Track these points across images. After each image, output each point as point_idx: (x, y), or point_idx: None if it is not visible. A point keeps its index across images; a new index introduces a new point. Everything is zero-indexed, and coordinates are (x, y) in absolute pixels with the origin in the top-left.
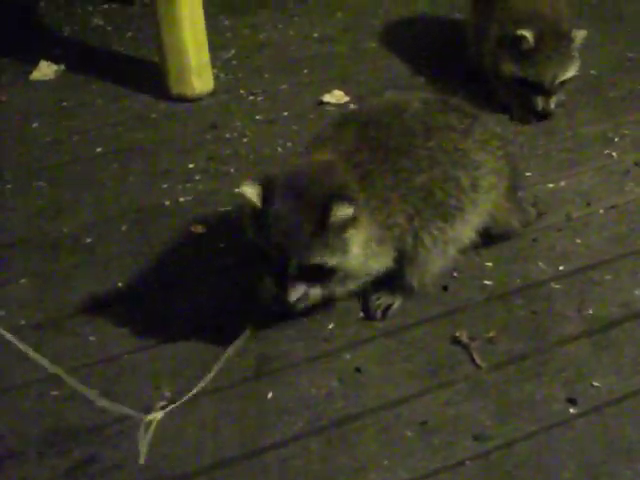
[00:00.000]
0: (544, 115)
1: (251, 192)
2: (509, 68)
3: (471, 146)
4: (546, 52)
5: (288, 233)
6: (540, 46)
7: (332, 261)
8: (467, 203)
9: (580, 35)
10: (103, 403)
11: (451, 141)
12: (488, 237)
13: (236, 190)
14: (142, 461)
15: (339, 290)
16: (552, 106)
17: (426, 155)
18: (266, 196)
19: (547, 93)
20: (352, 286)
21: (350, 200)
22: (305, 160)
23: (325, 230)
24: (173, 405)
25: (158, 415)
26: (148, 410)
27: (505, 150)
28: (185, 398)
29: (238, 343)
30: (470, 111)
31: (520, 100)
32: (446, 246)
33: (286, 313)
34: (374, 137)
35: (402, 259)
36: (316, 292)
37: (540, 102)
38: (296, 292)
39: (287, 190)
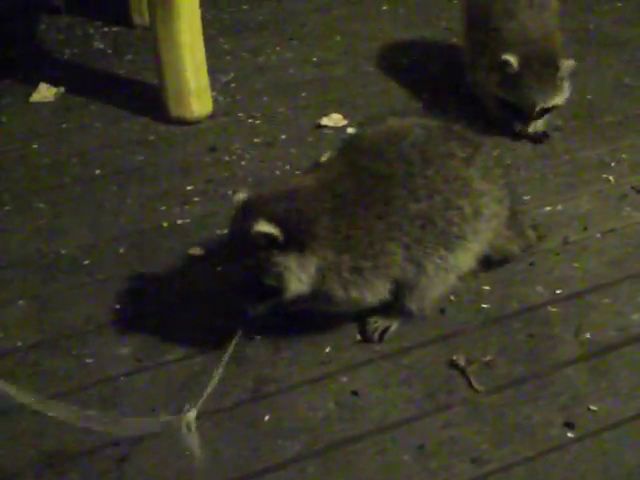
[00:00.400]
0: (520, 136)
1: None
2: (496, 89)
3: (473, 175)
4: (529, 78)
5: (237, 248)
6: (524, 71)
7: (266, 281)
8: (469, 232)
9: (568, 65)
10: (127, 420)
11: (452, 169)
12: (487, 263)
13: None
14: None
15: (325, 308)
16: (530, 130)
17: (424, 184)
18: (236, 213)
19: (527, 118)
20: (337, 308)
21: (283, 226)
22: (282, 185)
23: (253, 245)
24: (201, 399)
25: (193, 413)
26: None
27: (507, 179)
28: (199, 402)
29: (232, 346)
30: (473, 139)
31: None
32: (447, 274)
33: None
34: (365, 166)
35: (401, 286)
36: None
37: (518, 125)
38: (253, 307)
39: (244, 210)
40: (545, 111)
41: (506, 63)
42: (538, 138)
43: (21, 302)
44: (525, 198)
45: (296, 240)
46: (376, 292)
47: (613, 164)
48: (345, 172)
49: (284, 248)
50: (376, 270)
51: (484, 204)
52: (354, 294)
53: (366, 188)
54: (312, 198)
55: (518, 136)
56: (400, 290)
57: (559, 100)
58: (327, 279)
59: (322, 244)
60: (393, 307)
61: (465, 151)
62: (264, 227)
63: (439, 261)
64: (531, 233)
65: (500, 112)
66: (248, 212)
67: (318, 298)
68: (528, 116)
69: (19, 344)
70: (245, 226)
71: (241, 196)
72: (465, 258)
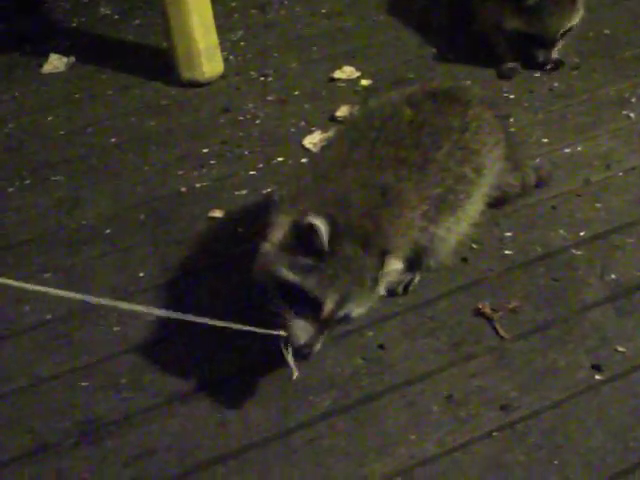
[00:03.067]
0: (544, 65)
1: (324, 229)
2: (512, 22)
3: (470, 137)
4: (550, 6)
5: (352, 281)
6: (543, 1)
7: (361, 309)
8: (474, 189)
9: None
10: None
11: (454, 143)
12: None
13: (310, 222)
14: (295, 375)
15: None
16: (555, 55)
17: (439, 167)
18: (332, 238)
19: (550, 45)
20: None
21: (397, 250)
22: (339, 197)
23: (376, 282)
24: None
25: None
26: (175, 397)
27: (499, 119)
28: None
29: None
30: (458, 95)
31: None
32: (459, 228)
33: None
34: (389, 155)
35: (417, 251)
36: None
37: (542, 54)
38: (320, 339)
39: (351, 237)
40: (564, 34)
41: None
42: (559, 63)
43: (46, 275)
44: (544, 140)
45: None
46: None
47: (633, 100)
48: (378, 166)
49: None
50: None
51: (483, 158)
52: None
53: (403, 178)
54: (375, 215)
55: (541, 66)
56: (418, 251)
57: (578, 19)
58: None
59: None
60: (413, 261)
61: (457, 116)
62: (394, 265)
63: (448, 224)
64: (530, 172)
65: (508, 45)
66: (365, 248)
67: None
68: (550, 43)
69: (48, 317)
70: (372, 266)
71: (321, 226)
72: (474, 208)
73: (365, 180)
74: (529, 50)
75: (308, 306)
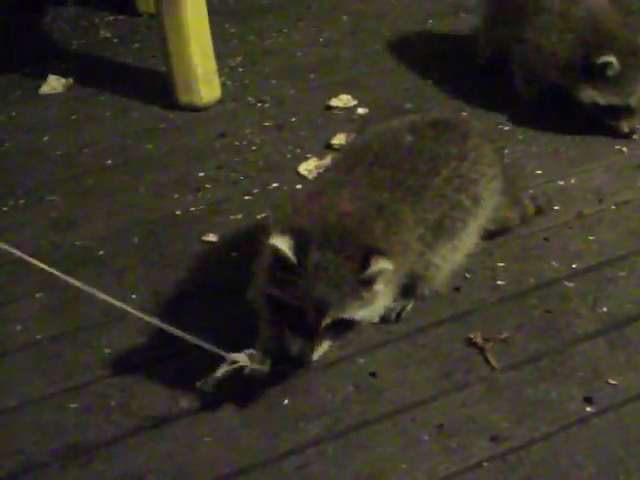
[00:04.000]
0: (630, 135)
1: (283, 245)
2: (589, 95)
3: (469, 166)
4: (630, 74)
5: (328, 288)
6: (623, 69)
7: (360, 314)
8: (470, 219)
9: None
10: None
11: (452, 170)
12: (487, 234)
13: (269, 242)
14: (198, 385)
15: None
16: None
17: (435, 193)
18: (299, 250)
19: (632, 113)
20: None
21: (388, 254)
22: (326, 208)
23: (362, 285)
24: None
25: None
26: (164, 420)
27: (497, 152)
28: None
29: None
30: (459, 125)
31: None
32: (454, 257)
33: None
34: (390, 177)
35: (414, 276)
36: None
37: (625, 125)
38: (322, 348)
39: (324, 244)
40: None
41: (606, 65)
42: (628, 135)
43: (38, 295)
44: (538, 172)
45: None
46: (394, 294)
47: None
48: (373, 185)
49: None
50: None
51: (481, 189)
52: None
53: (399, 201)
54: (372, 222)
55: (626, 136)
56: (412, 278)
57: None
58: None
59: (394, 267)
60: (407, 289)
61: (456, 145)
62: (384, 264)
63: (444, 253)
64: (529, 203)
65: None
66: (342, 253)
67: None
68: (632, 111)
69: (38, 336)
70: (352, 268)
71: (280, 242)
72: (469, 239)
73: (360, 197)
74: (605, 121)
75: (296, 318)
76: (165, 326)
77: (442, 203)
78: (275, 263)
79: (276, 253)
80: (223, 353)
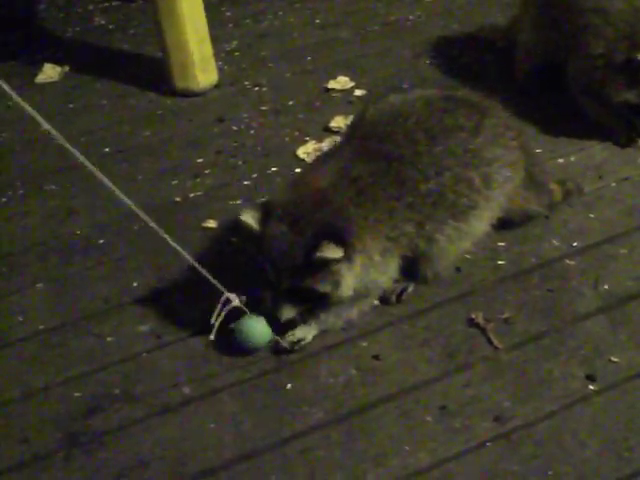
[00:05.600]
0: None
1: (250, 217)
2: (621, 95)
3: (482, 144)
4: None
5: (280, 257)
6: None
7: (322, 289)
8: (481, 201)
9: None
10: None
11: (460, 143)
12: (509, 224)
13: (238, 217)
14: (212, 337)
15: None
16: None
17: (431, 162)
18: (264, 221)
19: None
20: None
21: (341, 241)
22: (301, 183)
23: (313, 262)
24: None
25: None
26: (168, 408)
27: (519, 140)
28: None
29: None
30: (478, 103)
31: (623, 120)
32: (460, 242)
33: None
34: (375, 149)
35: (415, 257)
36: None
37: None
38: (287, 312)
39: (282, 217)
40: None
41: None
42: None
43: (39, 285)
44: (537, 151)
45: (348, 248)
46: (391, 273)
47: None
48: (357, 159)
49: (348, 259)
50: (399, 251)
51: (495, 171)
52: (378, 277)
53: (380, 172)
54: (342, 197)
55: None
56: (414, 259)
57: None
58: (362, 269)
59: (361, 240)
60: (409, 271)
61: (471, 119)
62: (329, 252)
63: (450, 232)
64: (556, 187)
65: (611, 116)
66: (295, 227)
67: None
68: None
69: (41, 327)
70: (303, 246)
71: (248, 214)
72: (478, 225)
73: (339, 171)
74: (637, 122)
75: (268, 278)
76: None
77: (443, 174)
78: (247, 233)
79: (244, 225)
80: (222, 288)
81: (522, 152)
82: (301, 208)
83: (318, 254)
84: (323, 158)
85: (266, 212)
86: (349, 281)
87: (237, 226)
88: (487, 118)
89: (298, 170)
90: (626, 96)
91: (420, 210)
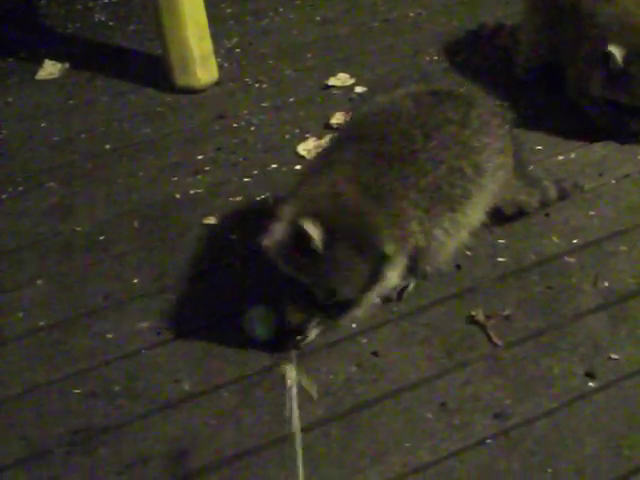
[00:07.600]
0: (637, 134)
1: (315, 233)
2: (597, 89)
3: (470, 134)
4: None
5: (343, 280)
6: (632, 65)
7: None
8: (473, 189)
9: None
10: None
11: (450, 136)
12: (502, 216)
13: (299, 224)
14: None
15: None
16: None
17: (428, 157)
18: (325, 239)
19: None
20: None
21: (397, 242)
22: (333, 195)
23: (374, 276)
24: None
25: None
26: (169, 404)
27: (506, 127)
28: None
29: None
30: (463, 95)
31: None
32: (457, 232)
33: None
34: (374, 151)
35: (415, 253)
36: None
37: (635, 124)
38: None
39: (345, 237)
40: None
41: (609, 56)
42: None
43: (39, 282)
44: (537, 148)
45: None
46: (401, 273)
47: None
48: (359, 162)
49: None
50: (406, 250)
51: (484, 159)
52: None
53: (384, 174)
54: (369, 208)
55: (634, 135)
56: (414, 254)
57: None
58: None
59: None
60: (410, 267)
61: (459, 112)
62: (392, 275)
63: (447, 224)
64: (550, 186)
65: (605, 115)
66: (356, 250)
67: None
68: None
69: (41, 324)
70: (368, 271)
71: (313, 229)
72: (473, 213)
73: (350, 178)
74: (620, 117)
75: (301, 294)
76: None
77: (438, 168)
78: (296, 244)
79: (302, 235)
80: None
81: (511, 139)
82: (349, 225)
83: (384, 266)
84: (323, 162)
85: (328, 229)
86: (391, 282)
87: (238, 223)
88: (473, 109)
89: (298, 167)
90: (600, 91)
91: (422, 206)
